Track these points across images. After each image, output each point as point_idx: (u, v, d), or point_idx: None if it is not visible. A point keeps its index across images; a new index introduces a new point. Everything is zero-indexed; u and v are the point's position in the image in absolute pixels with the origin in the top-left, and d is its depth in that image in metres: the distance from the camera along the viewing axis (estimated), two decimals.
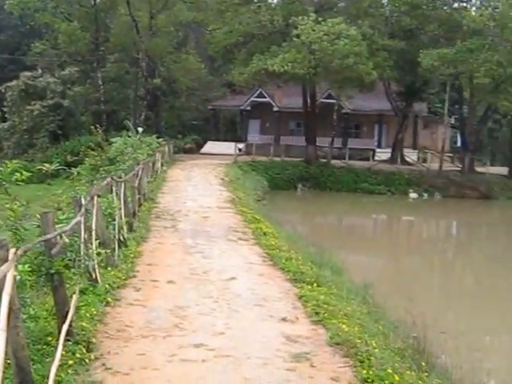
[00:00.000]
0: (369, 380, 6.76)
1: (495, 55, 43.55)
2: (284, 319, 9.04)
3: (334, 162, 48.96)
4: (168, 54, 52.84)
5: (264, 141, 54.48)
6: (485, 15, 44.90)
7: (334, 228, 34.63)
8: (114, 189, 13.36)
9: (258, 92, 56.76)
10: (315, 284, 11.05)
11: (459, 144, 59.05)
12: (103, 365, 6.85)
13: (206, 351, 7.48)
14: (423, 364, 8.26)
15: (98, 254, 9.60)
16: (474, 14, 47.19)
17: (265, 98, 56.96)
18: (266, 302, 9.91)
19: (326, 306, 9.54)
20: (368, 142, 57.44)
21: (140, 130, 38.79)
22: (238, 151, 48.31)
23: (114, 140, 36.02)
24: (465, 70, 45.32)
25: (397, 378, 6.82)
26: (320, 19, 42.20)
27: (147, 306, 9.38)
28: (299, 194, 45.98)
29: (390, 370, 6.98)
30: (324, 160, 49.10)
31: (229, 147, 49.91)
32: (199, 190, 28.32)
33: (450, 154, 57.58)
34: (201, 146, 56.30)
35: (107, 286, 9.69)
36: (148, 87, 51.70)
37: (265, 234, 16.64)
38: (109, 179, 13.45)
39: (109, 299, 9.23)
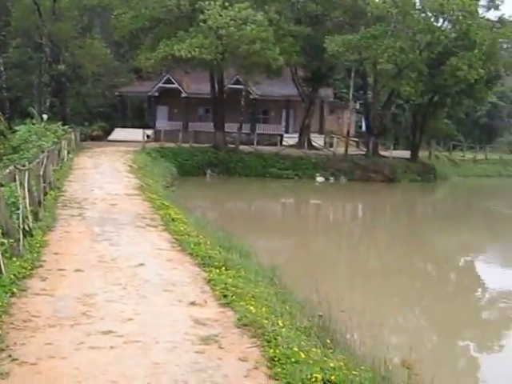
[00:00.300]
0: (275, 359, 6.94)
1: (398, 41, 44.77)
2: (193, 303, 9.13)
3: (242, 147, 49.26)
4: (72, 39, 51.58)
5: (172, 127, 54.32)
6: (388, 2, 46.02)
7: (243, 213, 34.92)
8: (17, 177, 13.07)
9: (165, 78, 56.31)
10: (223, 268, 11.20)
11: (364, 128, 60.41)
12: (9, 356, 6.76)
13: (114, 338, 7.50)
14: (328, 341, 8.51)
15: (2, 244, 9.42)
16: (377, 1, 48.21)
17: (173, 84, 56.56)
18: (175, 287, 9.98)
19: (234, 288, 9.70)
20: (276, 128, 58.06)
21: (45, 117, 37.91)
22: (146, 138, 47.85)
23: (17, 128, 35.14)
24: (369, 56, 46.42)
25: (303, 355, 7.02)
26: (227, 4, 42.26)
27: (54, 295, 9.27)
28: (208, 179, 46.08)
29: (296, 349, 7.19)
30: (232, 146, 49.30)
31: (137, 134, 49.34)
32: (107, 177, 27.96)
33: (355, 139, 59.04)
34: (108, 133, 55.36)
35: (12, 276, 9.51)
36: (52, 73, 50.47)
37: (173, 220, 16.67)
38: (12, 168, 13.15)
39: (14, 290, 9.07)
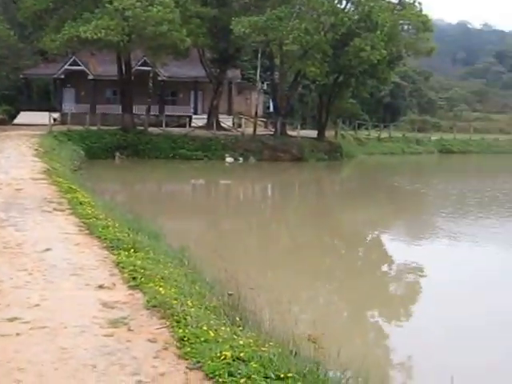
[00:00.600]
0: (185, 339, 6.98)
1: (303, 23, 45.27)
2: (101, 286, 9.07)
3: (151, 129, 48.95)
4: None
5: (80, 110, 53.50)
6: None
7: (152, 195, 34.70)
8: None
9: (71, 60, 55.21)
10: (132, 250, 11.14)
11: (272, 109, 60.96)
12: None
13: (20, 324, 7.37)
14: (238, 319, 8.63)
15: None
16: None
17: (79, 66, 55.50)
18: (83, 271, 9.88)
19: (143, 270, 9.68)
20: (184, 109, 57.94)
21: None
22: (52, 121, 46.85)
23: None
24: (275, 38, 46.80)
25: (212, 334, 7.09)
26: None
27: None
28: (117, 162, 45.56)
29: (205, 328, 7.25)
30: (141, 128, 48.90)
31: (43, 117, 48.15)
32: (12, 161, 27.26)
33: (263, 119, 59.57)
34: (13, 116, 53.90)
35: None
36: None
37: (81, 203, 16.42)
38: None
39: None
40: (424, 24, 52.59)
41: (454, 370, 8.22)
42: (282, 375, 6.06)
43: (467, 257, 20.34)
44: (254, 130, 51.52)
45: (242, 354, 6.51)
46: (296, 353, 7.09)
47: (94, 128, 47.21)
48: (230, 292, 9.95)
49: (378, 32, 46.86)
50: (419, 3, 53.13)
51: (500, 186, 42.40)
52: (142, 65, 52.61)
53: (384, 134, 71.69)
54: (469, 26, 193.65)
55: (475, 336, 12.01)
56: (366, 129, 72.63)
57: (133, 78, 49.78)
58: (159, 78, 54.24)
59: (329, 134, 57.64)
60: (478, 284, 16.17)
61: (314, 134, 55.68)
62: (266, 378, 5.99)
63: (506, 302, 14.74)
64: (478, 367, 10.41)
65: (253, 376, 5.96)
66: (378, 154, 63.45)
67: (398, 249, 22.22)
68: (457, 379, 6.45)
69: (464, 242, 22.75)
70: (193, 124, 53.40)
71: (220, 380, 5.97)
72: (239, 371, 6.08)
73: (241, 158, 48.91)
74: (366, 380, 6.74)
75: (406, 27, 54.65)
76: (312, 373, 6.21)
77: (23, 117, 53.02)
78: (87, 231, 13.09)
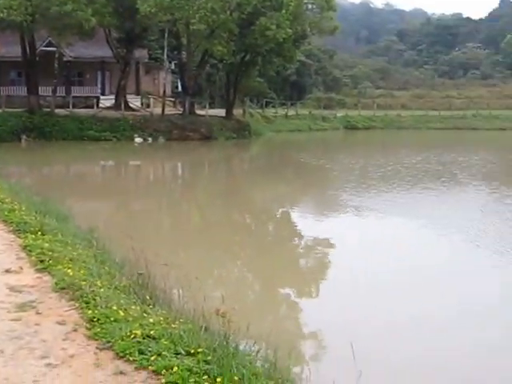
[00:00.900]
0: (95, 319, 7.00)
1: (209, 2, 45.32)
2: (8, 271, 8.96)
3: (58, 110, 48.09)
4: None
5: None
6: None
7: (61, 177, 34.07)
8: None
9: None
10: (40, 233, 11.04)
11: (180, 89, 60.74)
12: None
13: None
14: (148, 298, 8.69)
15: None
16: None
17: None
18: None
19: (50, 253, 9.62)
20: (91, 90, 57.04)
21: None
22: None
23: None
24: (181, 17, 46.70)
25: (122, 313, 7.14)
26: None
27: None
28: (23, 145, 44.58)
29: (115, 307, 7.30)
30: (48, 109, 47.93)
31: None
32: None
33: (171, 99, 59.26)
34: None
35: None
36: None
37: None
38: None
39: None
40: (327, 3, 53.40)
41: (355, 338, 8.54)
42: (192, 351, 6.18)
43: (372, 229, 20.90)
44: (163, 110, 51.29)
45: (152, 332, 6.60)
46: (206, 328, 7.20)
47: None
48: (140, 271, 9.98)
49: (283, 11, 47.37)
50: None
51: (402, 160, 43.57)
52: (46, 45, 51.30)
53: (291, 112, 72.54)
54: (371, 5, 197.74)
55: (382, 307, 12.42)
56: (274, 107, 73.24)
57: (38, 58, 48.62)
58: (65, 59, 53.05)
59: (237, 112, 57.94)
60: (384, 254, 16.69)
61: (222, 112, 55.87)
62: (177, 354, 6.10)
63: (407, 264, 15.41)
64: (376, 331, 10.83)
65: (163, 353, 6.06)
66: (285, 131, 64.19)
67: (307, 224, 22.53)
68: (356, 345, 6.75)
69: (368, 216, 23.22)
70: (100, 105, 52.72)
71: (131, 358, 6.05)
72: (150, 349, 6.18)
73: (150, 139, 48.63)
74: (275, 352, 6.94)
75: (310, 6, 55.42)
76: (222, 347, 6.35)
77: None
78: None
